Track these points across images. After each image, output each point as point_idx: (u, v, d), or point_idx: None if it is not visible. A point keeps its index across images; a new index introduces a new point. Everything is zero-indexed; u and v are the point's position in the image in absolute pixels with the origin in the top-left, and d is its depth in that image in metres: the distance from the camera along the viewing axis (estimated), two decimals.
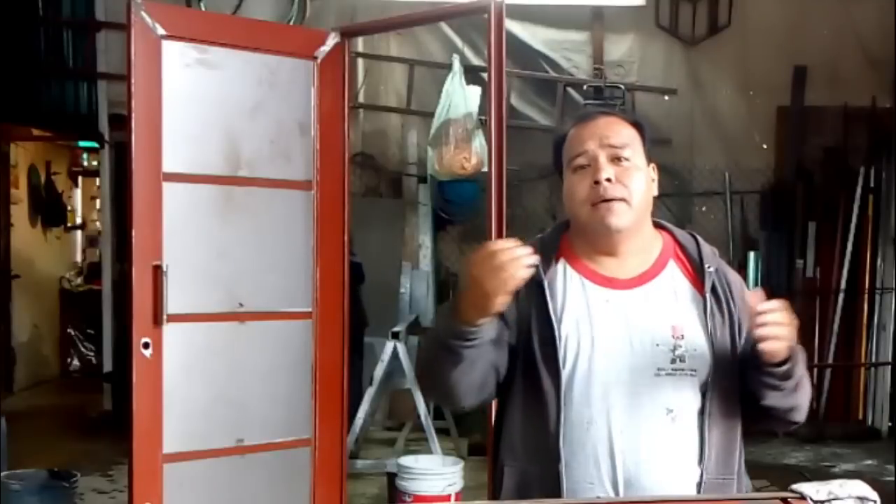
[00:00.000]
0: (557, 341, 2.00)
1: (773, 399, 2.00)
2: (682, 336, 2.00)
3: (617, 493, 1.97)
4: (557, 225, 2.20)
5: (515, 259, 1.84)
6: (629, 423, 1.98)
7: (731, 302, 2.06)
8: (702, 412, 2.00)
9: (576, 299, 2.05)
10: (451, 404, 2.12)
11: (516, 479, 2.06)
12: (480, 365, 1.98)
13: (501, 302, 1.87)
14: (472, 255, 1.88)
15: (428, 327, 7.68)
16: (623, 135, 2.07)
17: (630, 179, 2.03)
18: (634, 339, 2.00)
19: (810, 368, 7.40)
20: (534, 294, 2.04)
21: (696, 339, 2.01)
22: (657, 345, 1.99)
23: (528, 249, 1.86)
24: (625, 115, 2.18)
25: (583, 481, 1.98)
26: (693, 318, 2.03)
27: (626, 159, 2.04)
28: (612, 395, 1.99)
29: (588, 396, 1.99)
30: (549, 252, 2.10)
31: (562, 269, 2.09)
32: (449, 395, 2.05)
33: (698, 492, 1.98)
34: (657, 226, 2.17)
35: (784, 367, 1.94)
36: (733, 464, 2.05)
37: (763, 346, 1.90)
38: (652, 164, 2.12)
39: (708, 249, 2.11)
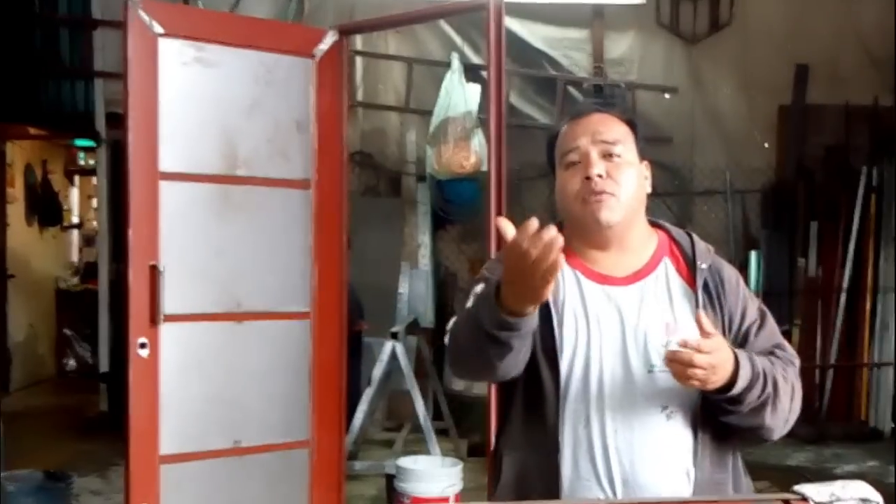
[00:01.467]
0: (556, 334, 2.01)
1: (729, 418, 1.99)
2: (676, 333, 1.99)
3: (613, 490, 1.98)
4: (556, 224, 2.18)
5: (549, 246, 1.71)
6: (624, 421, 1.99)
7: (721, 298, 2.06)
8: (695, 409, 2.00)
9: (571, 295, 2.06)
10: (491, 381, 2.11)
11: (516, 468, 2.08)
12: (526, 348, 1.94)
13: (547, 290, 1.78)
14: (507, 250, 1.76)
15: (427, 327, 7.68)
16: (615, 131, 2.09)
17: (621, 175, 2.05)
18: (628, 337, 2.01)
19: (811, 368, 7.46)
20: None
21: (688, 337, 1.98)
22: (650, 341, 2.00)
23: (553, 229, 1.72)
24: (617, 112, 2.18)
25: (580, 478, 2.00)
26: (686, 316, 2.03)
27: (618, 156, 2.06)
28: (607, 393, 2.00)
29: (584, 393, 2.00)
30: None
31: None
32: (492, 376, 2.02)
33: (693, 491, 1.98)
34: (654, 224, 2.18)
35: (727, 395, 1.92)
36: (727, 462, 2.06)
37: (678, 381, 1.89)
38: (645, 162, 2.13)
39: (702, 246, 2.12)
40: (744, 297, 2.10)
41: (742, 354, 1.94)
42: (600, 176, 2.02)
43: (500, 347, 1.88)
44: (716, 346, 1.88)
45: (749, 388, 1.93)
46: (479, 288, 2.06)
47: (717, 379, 1.89)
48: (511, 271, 1.77)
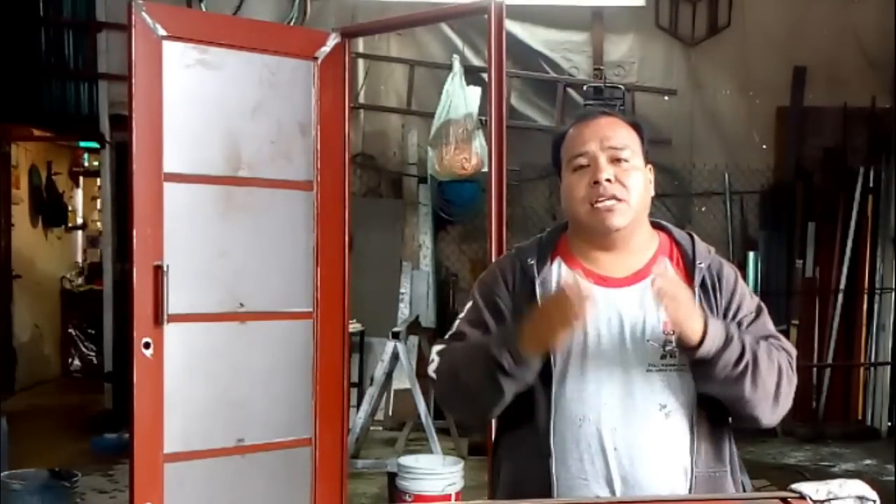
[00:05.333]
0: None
1: (709, 386, 2.00)
2: (674, 332, 2.01)
3: (612, 488, 2.00)
4: (556, 226, 2.24)
5: (583, 299, 1.92)
6: (622, 420, 2.00)
7: (717, 294, 2.09)
8: (692, 406, 2.02)
9: None
10: (473, 417, 2.18)
11: (511, 473, 2.11)
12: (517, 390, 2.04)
13: (564, 337, 1.96)
14: (547, 301, 1.99)
15: (428, 327, 7.71)
16: (623, 136, 2.11)
17: (629, 180, 2.07)
18: (627, 336, 2.03)
19: (809, 368, 7.48)
20: (526, 293, 2.09)
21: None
22: (648, 341, 2.02)
23: (589, 287, 1.96)
24: (624, 116, 2.21)
25: (577, 477, 2.02)
26: None
27: (626, 160, 2.08)
28: (605, 392, 2.01)
29: (581, 393, 2.02)
30: (546, 252, 2.15)
31: (557, 268, 2.13)
32: (478, 412, 2.14)
33: (690, 485, 2.00)
34: (656, 226, 2.20)
35: (699, 353, 1.95)
36: (724, 457, 2.08)
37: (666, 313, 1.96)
38: (649, 165, 2.15)
39: (702, 247, 2.15)
40: (740, 293, 2.12)
41: (713, 317, 1.99)
42: (609, 181, 2.05)
43: (511, 382, 1.99)
44: (678, 284, 1.98)
45: (723, 348, 1.94)
46: (465, 315, 2.17)
47: (688, 316, 1.93)
48: (546, 312, 1.96)
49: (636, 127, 2.16)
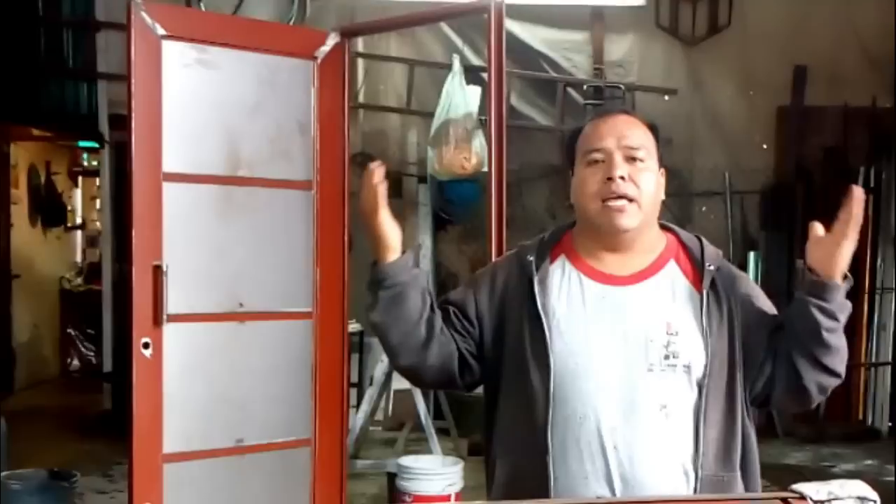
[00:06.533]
0: (546, 337, 2.03)
1: (827, 337, 2.00)
2: (677, 332, 2.02)
3: (611, 488, 1.99)
4: (561, 225, 2.24)
5: (370, 176, 2.15)
6: (622, 419, 2.00)
7: (731, 300, 2.08)
8: (696, 408, 2.02)
9: (572, 295, 2.08)
10: (395, 358, 2.17)
11: (507, 471, 2.10)
12: (407, 311, 2.09)
13: (377, 222, 2.10)
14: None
15: None
16: (640, 136, 2.11)
17: (642, 180, 2.07)
18: (629, 335, 2.03)
19: None
20: (525, 292, 2.09)
21: (691, 336, 2.03)
22: (651, 340, 2.02)
23: (376, 163, 2.19)
24: (642, 116, 2.21)
25: (577, 476, 2.01)
26: (689, 316, 2.06)
27: (641, 160, 2.08)
28: (605, 391, 2.01)
29: (581, 392, 2.01)
30: (546, 250, 2.15)
31: (560, 265, 2.13)
32: (387, 344, 2.14)
33: (695, 489, 2.00)
34: (663, 228, 2.20)
35: (840, 288, 2.00)
36: (733, 461, 2.06)
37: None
38: (662, 169, 2.16)
39: (711, 249, 2.15)
40: (755, 289, 2.15)
41: None
42: (622, 178, 2.05)
43: (378, 302, 2.11)
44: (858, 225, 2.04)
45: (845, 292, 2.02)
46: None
47: (849, 254, 2.03)
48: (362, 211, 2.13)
49: (653, 129, 2.17)
